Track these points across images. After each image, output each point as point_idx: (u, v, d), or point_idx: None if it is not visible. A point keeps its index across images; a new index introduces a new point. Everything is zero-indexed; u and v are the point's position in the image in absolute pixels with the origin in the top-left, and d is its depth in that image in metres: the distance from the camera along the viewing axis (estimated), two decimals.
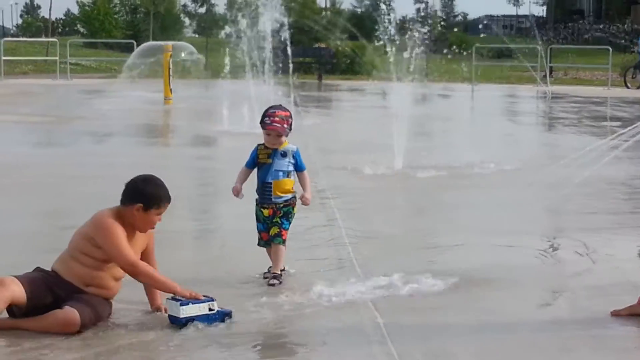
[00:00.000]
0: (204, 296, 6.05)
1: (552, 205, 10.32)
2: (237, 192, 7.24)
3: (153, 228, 6.23)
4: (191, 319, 5.92)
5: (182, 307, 5.92)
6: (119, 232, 6.01)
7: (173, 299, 6.00)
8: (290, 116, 7.20)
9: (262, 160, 7.17)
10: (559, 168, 12.16)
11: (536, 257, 8.11)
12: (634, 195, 11.72)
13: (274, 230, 7.13)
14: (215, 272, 7.49)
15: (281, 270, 7.15)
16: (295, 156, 7.17)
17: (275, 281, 7.03)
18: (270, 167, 7.12)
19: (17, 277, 5.93)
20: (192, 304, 5.95)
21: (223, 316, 6.04)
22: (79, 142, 16.71)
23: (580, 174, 10.86)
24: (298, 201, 7.19)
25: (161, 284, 6.11)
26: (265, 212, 7.15)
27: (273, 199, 7.12)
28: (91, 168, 13.01)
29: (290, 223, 7.19)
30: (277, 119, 7.07)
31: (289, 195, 7.17)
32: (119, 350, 5.61)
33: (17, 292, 5.81)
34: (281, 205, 7.13)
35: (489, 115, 24.33)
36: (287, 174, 7.16)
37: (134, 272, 6.03)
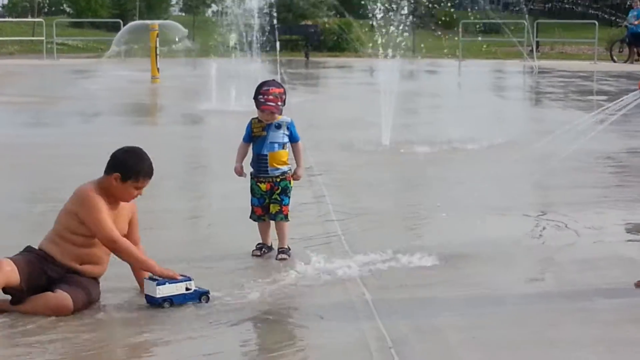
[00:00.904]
0: (181, 275, 6.04)
1: (539, 179, 10.35)
2: (240, 172, 7.29)
3: (132, 198, 6.18)
4: (168, 299, 5.92)
5: (158, 287, 5.92)
6: (101, 205, 6.00)
7: (150, 278, 6.00)
8: (284, 92, 7.24)
9: (256, 133, 7.19)
10: (545, 143, 12.18)
11: (524, 232, 8.15)
12: (621, 169, 11.77)
13: (274, 208, 7.19)
14: (203, 251, 7.52)
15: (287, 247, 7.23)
16: (290, 127, 7.21)
17: (284, 256, 7.12)
18: (265, 140, 7.16)
19: (11, 258, 5.92)
20: (169, 283, 5.94)
21: (200, 295, 6.03)
22: (67, 122, 16.68)
23: (566, 148, 10.88)
24: None
25: (140, 262, 6.09)
26: (263, 186, 7.18)
27: (269, 171, 7.16)
28: (79, 148, 13.00)
29: (289, 198, 7.25)
30: (270, 97, 7.09)
31: (285, 168, 7.21)
32: (113, 331, 5.64)
33: (10, 273, 5.79)
34: (278, 179, 7.17)
35: (476, 90, 24.33)
36: (282, 145, 7.20)
37: (114, 249, 6.01)
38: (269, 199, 7.19)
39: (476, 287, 6.53)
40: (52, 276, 5.94)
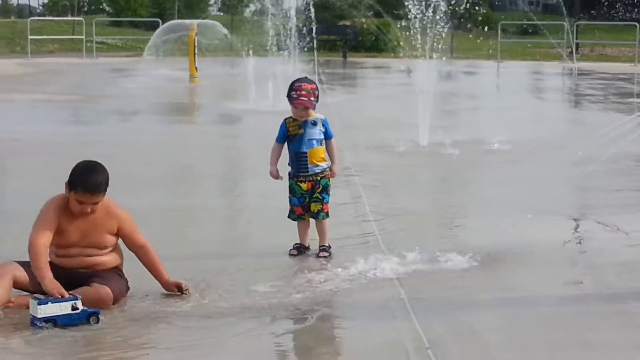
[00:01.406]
0: (69, 294, 5.67)
1: (579, 182, 10.29)
2: (275, 176, 7.29)
3: (80, 213, 5.98)
4: (52, 319, 5.51)
5: (39, 307, 5.52)
6: (48, 214, 5.96)
7: (34, 297, 5.62)
8: (317, 88, 7.26)
9: (293, 132, 7.21)
10: (585, 145, 12.11)
11: (562, 234, 8.10)
12: None
13: (316, 207, 7.22)
14: (240, 249, 7.56)
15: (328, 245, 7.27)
16: (325, 124, 7.24)
17: (325, 253, 7.16)
18: (304, 137, 7.18)
19: (19, 262, 5.97)
20: (52, 302, 5.54)
21: (88, 316, 5.61)
22: (106, 121, 16.80)
23: (606, 151, 10.82)
24: None
25: (37, 270, 5.81)
26: (304, 185, 7.20)
27: (310, 169, 7.18)
28: (117, 147, 13.06)
29: (329, 195, 7.29)
30: (303, 92, 7.11)
31: (324, 164, 7.24)
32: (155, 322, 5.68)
33: (20, 276, 5.87)
34: (319, 177, 7.20)
35: (515, 92, 24.23)
36: (320, 142, 7.23)
37: (28, 249, 5.89)
38: (310, 197, 7.21)
39: (513, 289, 6.51)
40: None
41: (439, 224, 8.62)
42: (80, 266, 6.04)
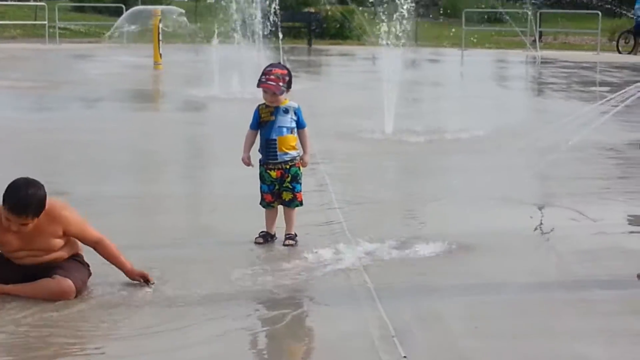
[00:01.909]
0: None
1: (541, 170, 10.37)
2: (247, 162, 7.28)
3: (9, 228, 5.85)
4: None
5: None
6: None
7: None
8: (288, 74, 7.23)
9: (265, 119, 7.20)
10: (548, 133, 12.20)
11: (525, 222, 8.17)
12: (623, 160, 11.76)
13: (287, 196, 7.23)
14: (206, 238, 7.55)
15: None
16: (297, 113, 7.24)
17: (292, 242, 7.18)
18: (274, 124, 7.17)
19: None
20: None
21: None
22: (69, 108, 16.67)
23: (569, 139, 10.90)
24: None
25: None
26: (273, 173, 7.20)
27: (279, 156, 7.18)
28: (82, 133, 13.00)
29: (300, 184, 7.30)
30: (272, 77, 7.10)
31: (294, 153, 7.24)
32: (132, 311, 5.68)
33: None
34: (288, 166, 7.19)
35: (479, 80, 24.29)
36: (291, 130, 7.22)
37: None
38: (280, 186, 7.22)
39: (478, 277, 6.56)
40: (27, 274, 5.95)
41: (405, 212, 8.65)
42: (34, 263, 6.00)
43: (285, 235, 7.25)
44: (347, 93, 19.55)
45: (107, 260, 6.16)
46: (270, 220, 7.33)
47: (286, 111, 7.19)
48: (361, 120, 13.77)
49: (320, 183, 9.63)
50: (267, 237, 7.27)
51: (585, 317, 5.80)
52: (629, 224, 8.40)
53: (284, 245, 7.14)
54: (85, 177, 9.68)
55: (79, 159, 10.76)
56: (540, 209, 8.87)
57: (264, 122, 7.19)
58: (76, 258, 6.13)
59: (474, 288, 6.31)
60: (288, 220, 7.29)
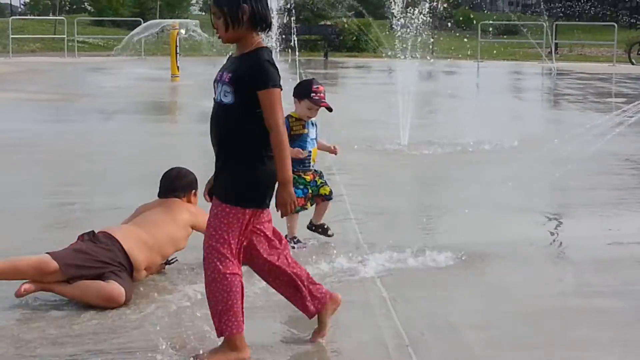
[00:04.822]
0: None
1: (557, 181, 10.37)
2: (303, 154, 7.31)
3: None
4: None
5: None
6: None
7: None
8: None
9: (296, 131, 7.25)
10: (563, 144, 12.20)
11: (541, 232, 8.18)
12: (638, 171, 11.75)
13: (326, 190, 7.43)
14: None
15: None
16: (315, 124, 7.42)
17: (330, 232, 7.59)
18: (308, 137, 7.30)
19: (54, 253, 5.97)
20: None
21: None
22: (87, 120, 16.76)
23: (585, 149, 10.91)
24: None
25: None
26: (308, 177, 7.33)
27: (312, 167, 7.37)
28: (99, 145, 13.08)
29: None
30: (322, 94, 7.23)
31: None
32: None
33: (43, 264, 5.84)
34: (314, 169, 7.44)
35: (495, 92, 24.33)
36: (317, 141, 7.44)
37: None
38: (315, 186, 7.36)
39: (493, 287, 6.57)
40: (102, 270, 5.99)
41: (420, 223, 8.66)
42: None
43: (321, 225, 7.54)
44: (364, 104, 19.59)
45: None
46: (294, 224, 7.37)
47: (313, 124, 7.35)
48: (377, 132, 13.80)
49: (336, 193, 9.61)
50: (297, 242, 7.34)
51: (600, 328, 5.79)
52: None
53: (330, 235, 7.54)
54: (102, 188, 9.72)
55: (96, 170, 10.81)
56: (556, 219, 8.87)
57: (296, 135, 7.23)
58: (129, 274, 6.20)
59: (490, 298, 6.32)
60: (323, 212, 7.51)
